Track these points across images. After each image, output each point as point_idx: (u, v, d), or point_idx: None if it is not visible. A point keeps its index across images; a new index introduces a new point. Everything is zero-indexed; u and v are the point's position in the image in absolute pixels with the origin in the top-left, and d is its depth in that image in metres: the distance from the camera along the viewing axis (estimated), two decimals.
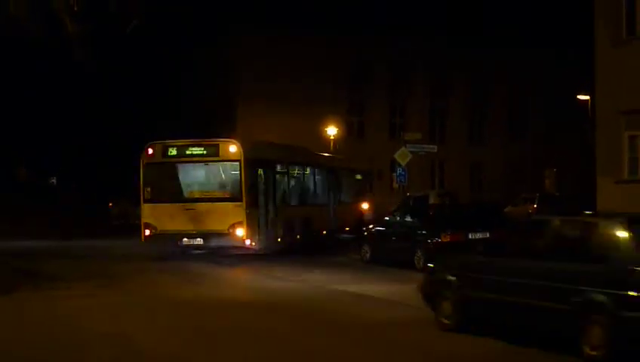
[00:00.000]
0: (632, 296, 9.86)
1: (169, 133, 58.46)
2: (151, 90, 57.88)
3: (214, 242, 24.61)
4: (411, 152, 31.54)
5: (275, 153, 28.07)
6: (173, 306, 15.79)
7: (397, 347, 11.71)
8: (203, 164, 25.47)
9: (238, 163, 24.33)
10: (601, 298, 10.12)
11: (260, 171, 25.76)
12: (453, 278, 12.60)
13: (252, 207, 24.43)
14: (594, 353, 10.19)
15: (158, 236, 24.78)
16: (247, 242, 24.19)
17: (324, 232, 30.71)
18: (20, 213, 46.35)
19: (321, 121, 50.88)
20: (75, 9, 20.07)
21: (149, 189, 25.40)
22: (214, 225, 24.10)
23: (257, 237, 24.74)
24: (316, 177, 30.88)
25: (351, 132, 55.83)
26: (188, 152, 25.31)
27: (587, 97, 46.79)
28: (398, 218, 25.20)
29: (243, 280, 22.46)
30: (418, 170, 46.35)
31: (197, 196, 25.42)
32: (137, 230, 25.86)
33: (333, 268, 23.47)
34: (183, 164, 25.60)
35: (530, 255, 11.62)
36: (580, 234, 11.35)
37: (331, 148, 48.31)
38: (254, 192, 25.07)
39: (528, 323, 11.40)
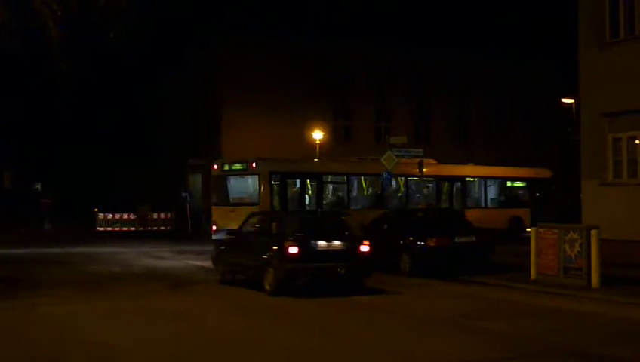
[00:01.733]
0: (284, 254, 17.61)
1: (153, 143, 58.54)
2: (133, 98, 57.91)
3: None
4: (397, 156, 31.49)
5: (287, 167, 32.51)
6: (158, 313, 15.72)
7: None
8: (239, 176, 32.36)
9: (257, 176, 30.68)
10: (271, 256, 18.06)
11: (276, 181, 31.48)
12: (224, 248, 21.09)
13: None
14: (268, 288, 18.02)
15: (219, 232, 29.60)
16: None
17: None
18: (3, 219, 46.23)
19: (306, 126, 50.92)
20: (59, 14, 19.92)
21: (214, 195, 33.19)
22: None
23: None
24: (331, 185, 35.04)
25: (337, 137, 55.84)
26: (233, 168, 32.42)
27: (571, 100, 46.98)
28: (385, 222, 25.15)
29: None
30: None
31: (236, 201, 31.71)
32: (123, 235, 26.21)
33: None
34: (230, 177, 32.59)
35: (247, 235, 20.18)
36: (269, 221, 20.03)
37: (317, 152, 48.33)
38: (270, 198, 30.67)
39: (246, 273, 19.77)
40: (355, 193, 35.29)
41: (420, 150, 34.28)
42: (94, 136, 61.77)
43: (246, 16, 51.27)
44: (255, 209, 27.38)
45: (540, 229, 19.60)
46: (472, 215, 30.19)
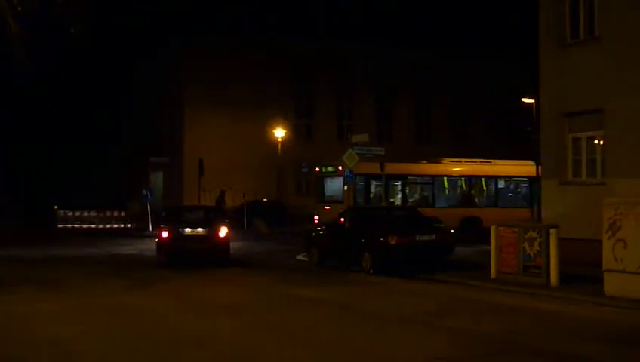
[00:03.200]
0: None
1: (114, 140, 57.94)
2: (94, 95, 57.47)
3: None
4: (359, 154, 31.55)
5: (370, 169, 34.23)
6: (116, 310, 15.62)
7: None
8: (332, 178, 36.14)
9: (341, 178, 34.05)
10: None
11: (361, 183, 35.48)
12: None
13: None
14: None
15: (319, 224, 32.05)
16: None
17: None
18: None
19: (268, 124, 50.88)
20: (19, 9, 19.65)
21: (316, 194, 37.94)
22: None
23: None
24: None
25: (299, 134, 55.86)
26: (328, 170, 36.59)
27: (532, 100, 47.33)
28: (347, 220, 25.17)
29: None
30: None
31: (329, 199, 35.98)
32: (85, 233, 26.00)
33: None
34: (326, 178, 36.79)
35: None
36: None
37: (279, 150, 48.30)
38: (352, 197, 34.61)
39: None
40: (437, 192, 38.11)
41: (382, 149, 34.38)
42: (53, 134, 61.18)
43: (210, 15, 51.10)
44: (341, 206, 31.35)
45: (500, 228, 19.73)
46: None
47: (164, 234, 24.68)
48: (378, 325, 13.97)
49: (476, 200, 39.01)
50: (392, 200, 36.17)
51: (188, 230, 24.81)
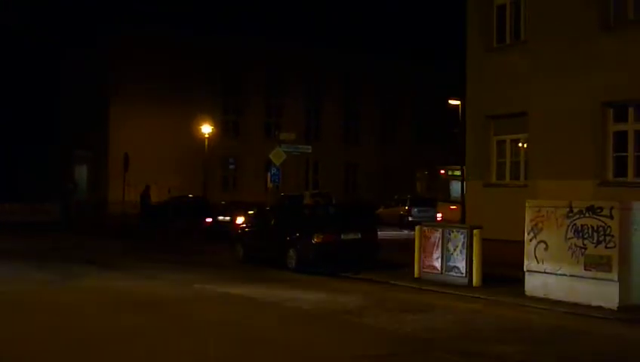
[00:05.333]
0: None
1: (42, 131, 56.64)
2: (25, 89, 56.34)
3: None
4: (286, 152, 31.50)
5: None
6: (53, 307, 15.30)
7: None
8: (456, 180, 38.39)
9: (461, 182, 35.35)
10: None
11: None
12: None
13: None
14: None
15: (444, 220, 35.11)
16: None
17: None
18: None
19: (196, 120, 50.51)
20: None
21: (441, 194, 41.32)
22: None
23: None
24: None
25: (226, 131, 55.58)
26: (454, 173, 39.19)
27: (458, 102, 47.84)
28: (273, 218, 25.08)
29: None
30: (293, 170, 46.47)
31: (454, 199, 38.32)
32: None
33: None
34: (452, 181, 39.76)
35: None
36: None
37: (206, 146, 47.95)
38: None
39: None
40: None
41: (309, 147, 34.40)
42: None
43: (139, 8, 50.46)
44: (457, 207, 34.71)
45: (424, 228, 19.85)
46: None
47: None
48: (298, 322, 13.94)
49: None
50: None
51: None
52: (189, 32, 52.19)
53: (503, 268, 19.30)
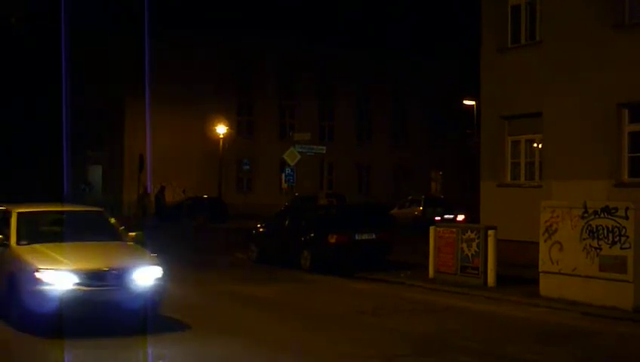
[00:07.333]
0: None
1: (54, 133, 56.97)
2: (34, 87, 56.53)
3: None
4: (300, 153, 31.52)
5: None
6: None
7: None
8: None
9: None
10: None
11: None
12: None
13: None
14: None
15: None
16: None
17: None
18: None
19: (210, 120, 50.62)
20: None
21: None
22: None
23: None
24: None
25: (240, 131, 55.67)
26: None
27: (472, 102, 47.77)
28: (287, 218, 25.09)
29: None
30: (307, 171, 46.49)
31: None
32: None
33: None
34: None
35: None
36: None
37: (220, 146, 48.07)
38: None
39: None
40: None
41: (323, 148, 34.40)
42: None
43: (153, 11, 50.56)
44: None
45: (439, 228, 19.83)
46: None
47: None
48: (313, 323, 13.94)
49: None
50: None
51: None
52: (203, 33, 52.26)
53: (517, 269, 19.28)
